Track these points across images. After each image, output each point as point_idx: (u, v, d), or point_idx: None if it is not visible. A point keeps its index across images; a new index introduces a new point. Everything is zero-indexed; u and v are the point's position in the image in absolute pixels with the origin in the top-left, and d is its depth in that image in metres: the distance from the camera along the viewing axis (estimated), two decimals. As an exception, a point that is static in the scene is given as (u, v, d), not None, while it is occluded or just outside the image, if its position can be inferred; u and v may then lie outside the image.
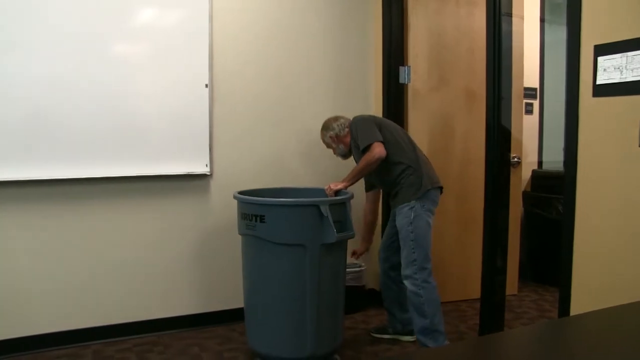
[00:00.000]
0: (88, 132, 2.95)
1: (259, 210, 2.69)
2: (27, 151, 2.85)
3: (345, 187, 2.90)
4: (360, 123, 2.96)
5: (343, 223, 2.75)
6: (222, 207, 3.30)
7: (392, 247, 3.07)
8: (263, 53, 3.40)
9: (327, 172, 3.55)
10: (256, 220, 2.69)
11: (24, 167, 2.84)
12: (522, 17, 3.59)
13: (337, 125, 3.06)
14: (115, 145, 3.02)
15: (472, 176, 3.64)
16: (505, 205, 3.11)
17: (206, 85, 3.18)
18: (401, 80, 3.63)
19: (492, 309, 3.04)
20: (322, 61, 3.59)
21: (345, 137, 3.06)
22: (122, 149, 3.04)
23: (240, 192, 2.90)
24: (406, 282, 2.86)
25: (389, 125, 3.05)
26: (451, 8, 3.68)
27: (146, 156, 3.10)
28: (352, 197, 2.87)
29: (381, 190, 3.30)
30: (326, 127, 3.10)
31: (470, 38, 3.68)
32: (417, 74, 3.62)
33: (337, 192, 2.90)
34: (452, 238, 3.75)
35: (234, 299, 3.24)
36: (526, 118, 4.26)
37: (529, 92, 4.46)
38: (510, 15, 3.01)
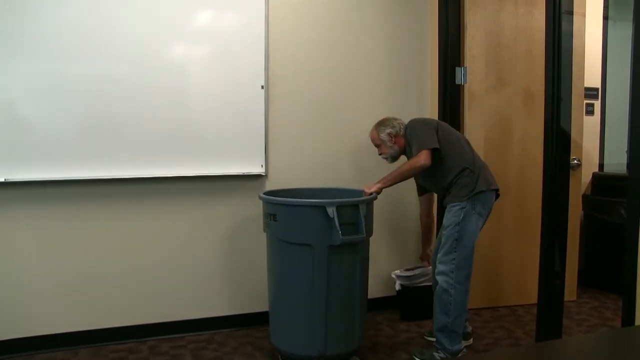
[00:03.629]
0: (146, 132, 3.07)
1: (272, 209, 2.78)
2: (88, 150, 2.99)
3: (381, 190, 2.85)
4: (419, 125, 2.93)
5: (355, 225, 2.72)
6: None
7: None
8: (318, 55, 3.43)
9: (381, 173, 3.54)
10: (270, 219, 2.78)
11: (84, 165, 2.98)
12: (583, 15, 3.47)
13: (397, 124, 3.03)
14: (172, 146, 3.13)
15: (530, 179, 3.56)
16: (564, 209, 3.02)
17: (262, 87, 3.24)
18: (457, 82, 3.59)
19: (549, 315, 2.96)
20: (377, 62, 3.60)
21: (400, 138, 3.02)
22: (179, 149, 3.15)
23: (282, 191, 3.04)
24: (439, 278, 2.84)
25: (447, 128, 3.02)
26: (509, 7, 3.60)
27: (202, 156, 3.20)
28: (374, 198, 2.83)
29: (434, 194, 3.27)
30: (384, 124, 3.04)
31: (529, 37, 3.60)
32: (473, 74, 3.57)
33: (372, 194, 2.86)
34: (509, 241, 3.68)
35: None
36: (587, 119, 4.11)
37: (590, 93, 4.30)
38: (571, 13, 2.92)
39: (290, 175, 3.39)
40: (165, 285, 3.20)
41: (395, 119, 3.06)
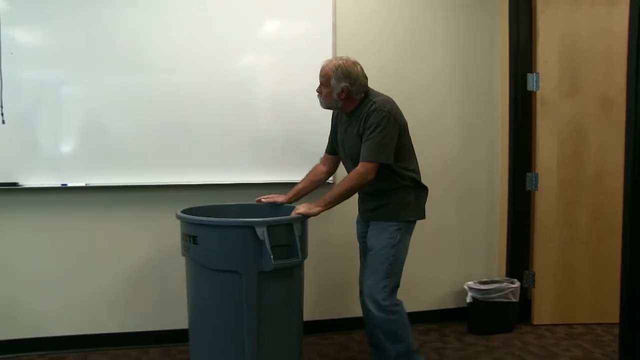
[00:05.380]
0: (217, 140, 3.15)
1: (192, 230, 2.41)
2: (162, 158, 3.11)
3: (319, 213, 2.47)
4: (386, 124, 2.42)
5: (290, 248, 2.39)
6: (342, 216, 3.33)
7: None
8: (385, 63, 3.41)
9: (449, 176, 3.54)
10: (190, 241, 2.40)
11: (156, 172, 3.10)
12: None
13: (359, 85, 2.49)
14: (243, 153, 3.20)
15: (608, 187, 3.39)
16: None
17: (330, 95, 3.26)
18: (529, 88, 3.48)
19: (634, 336, 2.77)
20: (445, 68, 3.54)
21: (353, 101, 2.51)
22: (248, 157, 3.21)
23: (204, 208, 2.68)
24: (370, 306, 2.50)
25: (406, 127, 2.59)
26: (586, 8, 3.44)
27: (270, 164, 3.24)
28: (305, 218, 2.49)
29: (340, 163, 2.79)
30: (348, 75, 2.47)
31: (608, 40, 3.42)
32: (546, 80, 3.44)
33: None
34: (584, 253, 3.49)
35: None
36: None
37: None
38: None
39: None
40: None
41: (361, 78, 2.50)
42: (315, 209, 2.48)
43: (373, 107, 2.46)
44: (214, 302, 2.43)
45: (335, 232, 3.35)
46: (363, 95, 2.53)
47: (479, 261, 3.65)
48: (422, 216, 2.64)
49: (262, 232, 2.29)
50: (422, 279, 3.52)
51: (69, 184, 3.02)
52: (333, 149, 2.77)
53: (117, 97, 3.06)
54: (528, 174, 3.52)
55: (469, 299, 3.39)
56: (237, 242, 2.35)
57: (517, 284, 3.39)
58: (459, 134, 3.59)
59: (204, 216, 2.52)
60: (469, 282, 3.42)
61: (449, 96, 3.56)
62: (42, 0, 2.93)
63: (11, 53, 2.91)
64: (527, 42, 3.48)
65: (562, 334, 3.39)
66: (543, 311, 3.50)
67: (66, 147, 3.07)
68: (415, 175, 2.59)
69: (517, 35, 3.49)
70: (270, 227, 2.32)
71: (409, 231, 2.58)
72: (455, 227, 3.61)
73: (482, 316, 3.37)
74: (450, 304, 3.61)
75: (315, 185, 2.81)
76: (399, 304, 2.55)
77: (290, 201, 2.76)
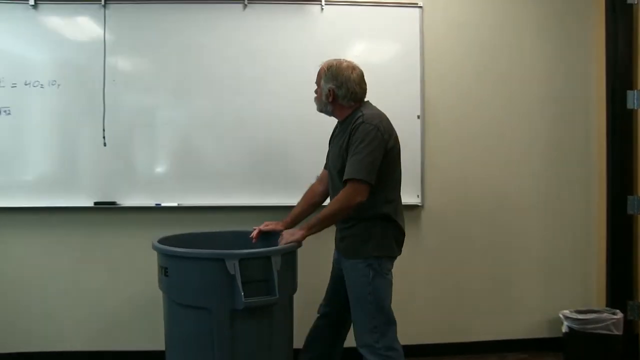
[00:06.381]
0: (302, 161, 3.16)
1: (163, 261, 2.23)
2: (251, 180, 3.17)
3: (303, 238, 2.27)
4: (371, 139, 2.18)
5: (267, 283, 2.13)
6: (434, 237, 3.30)
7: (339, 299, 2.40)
8: (474, 85, 3.35)
9: (539, 198, 3.39)
10: (162, 273, 2.23)
11: (246, 193, 3.15)
12: None
13: (347, 90, 2.29)
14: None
15: None
16: None
17: (418, 117, 3.23)
18: (629, 106, 3.28)
19: None
20: (535, 87, 3.41)
21: (344, 109, 2.32)
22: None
23: (191, 235, 2.56)
24: (363, 352, 2.26)
25: (398, 148, 2.32)
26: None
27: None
28: (294, 247, 2.28)
29: None
30: (335, 76, 2.30)
31: None
32: (649, 97, 3.24)
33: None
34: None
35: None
36: None
37: None
38: None
39: (447, 205, 3.32)
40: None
41: (350, 83, 2.29)
42: (297, 234, 2.27)
43: (360, 119, 2.23)
44: (185, 341, 2.21)
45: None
46: (353, 103, 2.32)
47: (573, 288, 3.46)
48: (393, 253, 2.32)
49: (232, 265, 2.07)
50: (509, 304, 3.41)
51: (163, 204, 3.13)
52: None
53: (207, 121, 3.17)
54: (630, 197, 3.30)
55: (564, 329, 3.19)
56: (206, 276, 2.13)
57: (619, 315, 3.16)
58: (550, 154, 3.44)
59: (188, 243, 2.34)
60: (565, 311, 3.23)
61: (538, 112, 3.42)
62: (140, 31, 3.12)
63: (114, 80, 3.09)
64: (627, 57, 3.29)
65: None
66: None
67: (160, 169, 3.20)
68: (391, 210, 2.28)
69: (614, 49, 3.31)
70: (243, 260, 2.10)
71: (382, 268, 2.26)
72: (545, 251, 3.44)
73: (580, 348, 3.16)
74: (542, 333, 3.44)
75: (313, 208, 2.56)
76: (395, 348, 2.26)
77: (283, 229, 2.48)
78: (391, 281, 2.31)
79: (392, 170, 2.27)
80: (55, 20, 3.10)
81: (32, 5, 3.05)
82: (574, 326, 3.15)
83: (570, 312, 3.22)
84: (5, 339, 3.15)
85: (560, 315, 3.24)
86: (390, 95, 3.18)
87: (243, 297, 2.06)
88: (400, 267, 3.20)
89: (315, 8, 3.19)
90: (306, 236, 2.28)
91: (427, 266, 3.32)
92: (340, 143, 2.30)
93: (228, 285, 2.08)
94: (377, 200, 2.22)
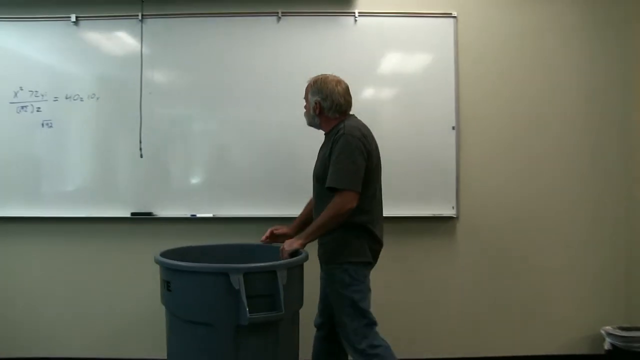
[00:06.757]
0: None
1: (166, 275, 2.18)
2: (284, 191, 3.15)
3: (302, 246, 2.31)
4: (349, 148, 2.26)
5: (273, 298, 2.07)
6: (469, 250, 3.24)
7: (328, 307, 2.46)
8: (510, 95, 3.29)
9: (582, 212, 3.28)
10: (165, 288, 2.17)
11: (279, 205, 3.13)
12: None
13: (332, 102, 2.38)
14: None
15: None
16: None
17: (453, 128, 3.19)
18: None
19: None
20: (574, 96, 3.32)
21: (331, 120, 2.41)
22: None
23: (196, 249, 2.52)
24: (349, 352, 2.35)
25: (378, 154, 2.41)
26: None
27: (391, 197, 3.17)
28: (293, 264, 2.23)
29: None
30: (320, 89, 2.40)
31: None
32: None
33: (293, 254, 2.32)
34: None
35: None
36: None
37: None
38: None
39: (482, 217, 3.27)
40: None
41: (335, 96, 2.38)
42: (296, 243, 2.32)
43: (342, 131, 2.32)
44: (188, 358, 2.16)
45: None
46: (338, 115, 2.41)
47: (615, 304, 3.34)
48: (368, 259, 2.37)
49: (237, 280, 2.02)
50: (547, 319, 3.32)
51: (198, 215, 3.16)
52: None
53: (241, 133, 3.20)
54: (675, 208, 3.19)
55: (607, 346, 3.10)
56: (210, 290, 2.07)
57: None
58: (591, 165, 3.34)
59: (193, 257, 2.32)
60: (607, 327, 3.14)
61: (577, 122, 3.33)
62: (175, 44, 3.19)
63: (150, 93, 3.15)
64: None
65: None
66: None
67: (195, 180, 3.24)
68: (366, 220, 2.34)
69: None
70: (247, 274, 2.05)
71: (358, 274, 2.32)
72: (585, 264, 3.34)
73: (624, 367, 3.06)
74: (582, 350, 3.32)
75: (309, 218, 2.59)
76: (379, 345, 2.30)
77: (293, 234, 2.56)
78: (369, 286, 2.38)
79: (367, 180, 2.31)
80: (95, 36, 3.19)
81: (74, 22, 3.15)
82: (618, 343, 3.05)
83: (613, 328, 3.12)
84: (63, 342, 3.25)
85: (602, 332, 3.13)
86: (424, 107, 3.19)
87: (248, 312, 2.02)
88: (434, 278, 3.24)
89: (349, 20, 3.20)
90: (304, 245, 2.34)
91: (461, 278, 3.27)
92: (323, 152, 2.40)
93: (232, 300, 2.03)
94: (354, 210, 2.26)
